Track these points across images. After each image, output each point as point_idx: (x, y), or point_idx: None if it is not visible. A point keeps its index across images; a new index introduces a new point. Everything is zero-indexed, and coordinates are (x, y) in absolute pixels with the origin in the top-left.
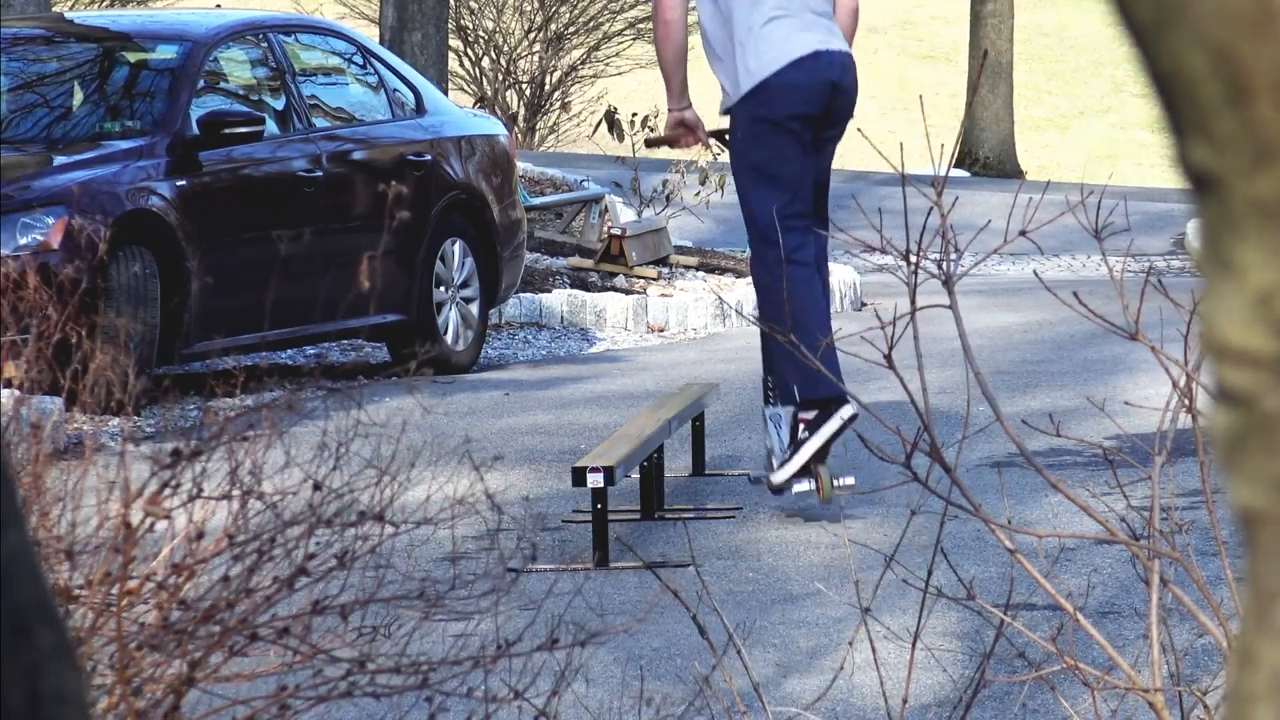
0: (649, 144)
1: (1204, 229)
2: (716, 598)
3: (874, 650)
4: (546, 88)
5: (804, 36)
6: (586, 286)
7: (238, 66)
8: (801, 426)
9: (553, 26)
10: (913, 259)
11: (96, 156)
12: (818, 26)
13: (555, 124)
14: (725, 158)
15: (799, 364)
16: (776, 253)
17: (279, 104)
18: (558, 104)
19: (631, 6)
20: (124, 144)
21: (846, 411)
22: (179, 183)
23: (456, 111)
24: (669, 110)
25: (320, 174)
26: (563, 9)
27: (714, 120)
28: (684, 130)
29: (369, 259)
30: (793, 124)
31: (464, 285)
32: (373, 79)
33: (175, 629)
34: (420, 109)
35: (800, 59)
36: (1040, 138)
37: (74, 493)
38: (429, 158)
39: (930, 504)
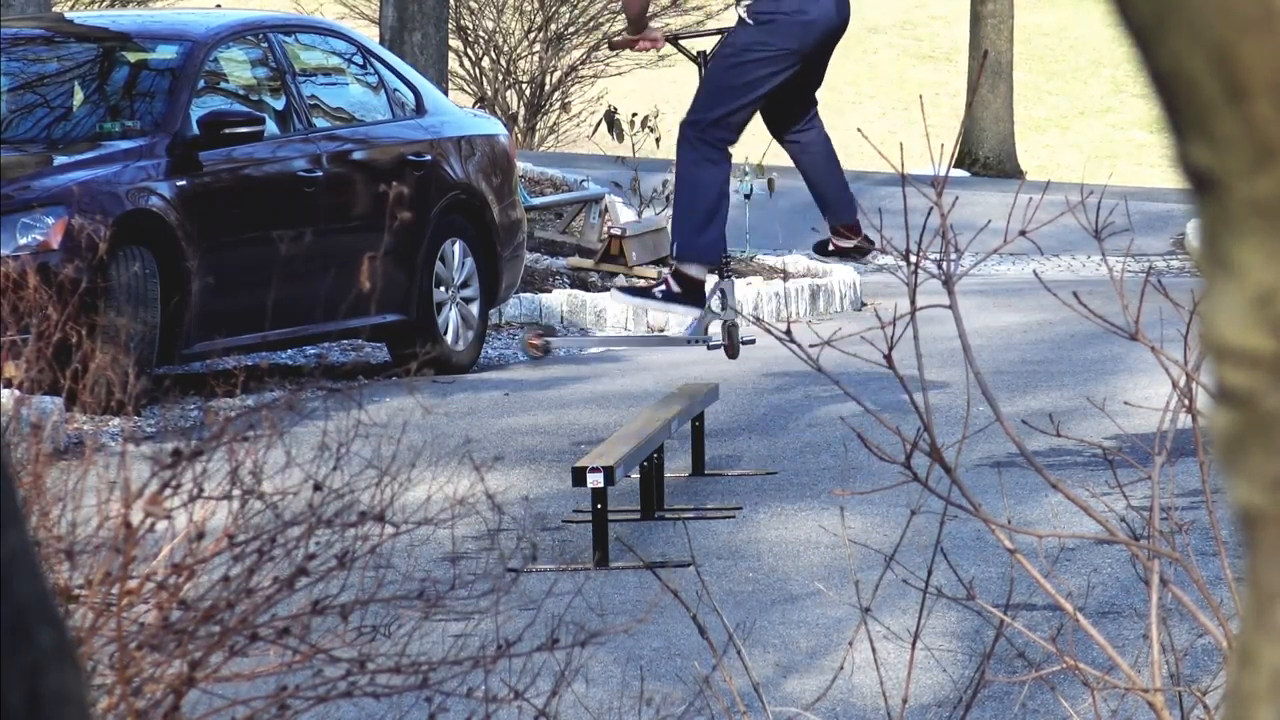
0: (612, 46)
1: (1204, 229)
2: (716, 598)
3: (874, 650)
4: (546, 88)
5: None
6: (586, 286)
7: (238, 66)
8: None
9: (553, 26)
10: (913, 259)
11: (96, 156)
12: None
13: (555, 124)
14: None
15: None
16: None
17: (279, 104)
18: (558, 104)
19: None
20: (124, 144)
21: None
22: (179, 183)
23: (456, 111)
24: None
25: (320, 174)
26: (563, 9)
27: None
28: (644, 40)
29: (369, 259)
30: (789, 58)
31: (464, 285)
32: (373, 79)
33: (175, 629)
34: (420, 109)
35: None
36: (1040, 138)
37: (74, 493)
38: (429, 158)
39: (930, 504)
